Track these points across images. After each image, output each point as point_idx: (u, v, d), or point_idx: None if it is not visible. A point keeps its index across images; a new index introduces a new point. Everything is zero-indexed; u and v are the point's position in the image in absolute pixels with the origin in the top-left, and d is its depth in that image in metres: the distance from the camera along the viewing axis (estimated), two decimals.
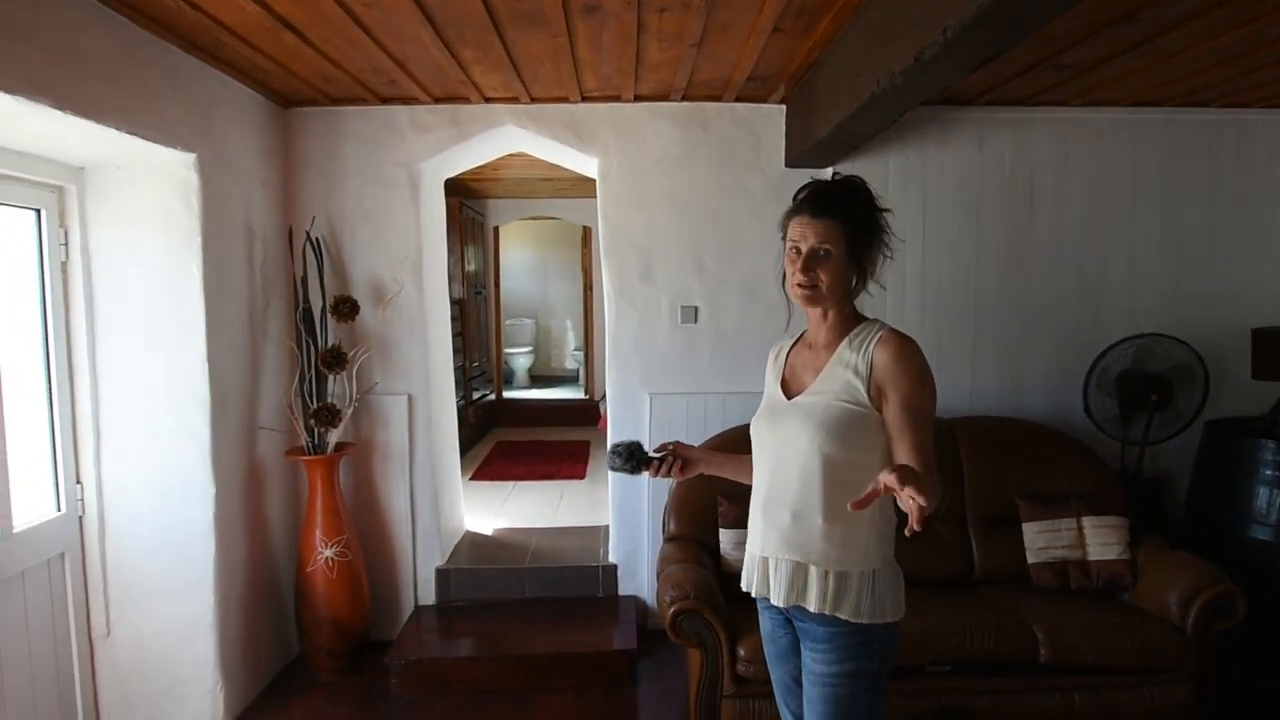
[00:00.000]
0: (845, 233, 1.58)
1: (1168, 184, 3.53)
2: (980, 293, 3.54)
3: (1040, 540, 3.05)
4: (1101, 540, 2.99)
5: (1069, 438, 3.33)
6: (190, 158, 2.65)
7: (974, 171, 3.49)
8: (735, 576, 2.92)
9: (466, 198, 6.72)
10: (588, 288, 8.08)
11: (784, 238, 1.66)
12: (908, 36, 1.95)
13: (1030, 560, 3.05)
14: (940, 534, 3.18)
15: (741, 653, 2.56)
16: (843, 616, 1.57)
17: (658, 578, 2.88)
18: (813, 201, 1.61)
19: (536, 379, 9.63)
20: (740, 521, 2.97)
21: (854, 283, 1.63)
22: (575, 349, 9.68)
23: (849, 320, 1.67)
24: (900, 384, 1.55)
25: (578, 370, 9.24)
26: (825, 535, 1.59)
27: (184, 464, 2.75)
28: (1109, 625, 2.71)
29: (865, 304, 1.71)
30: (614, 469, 1.79)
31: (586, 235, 7.94)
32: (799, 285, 1.61)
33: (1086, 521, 3.03)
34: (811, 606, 1.60)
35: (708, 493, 3.11)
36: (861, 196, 1.62)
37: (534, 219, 8.20)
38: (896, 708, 2.60)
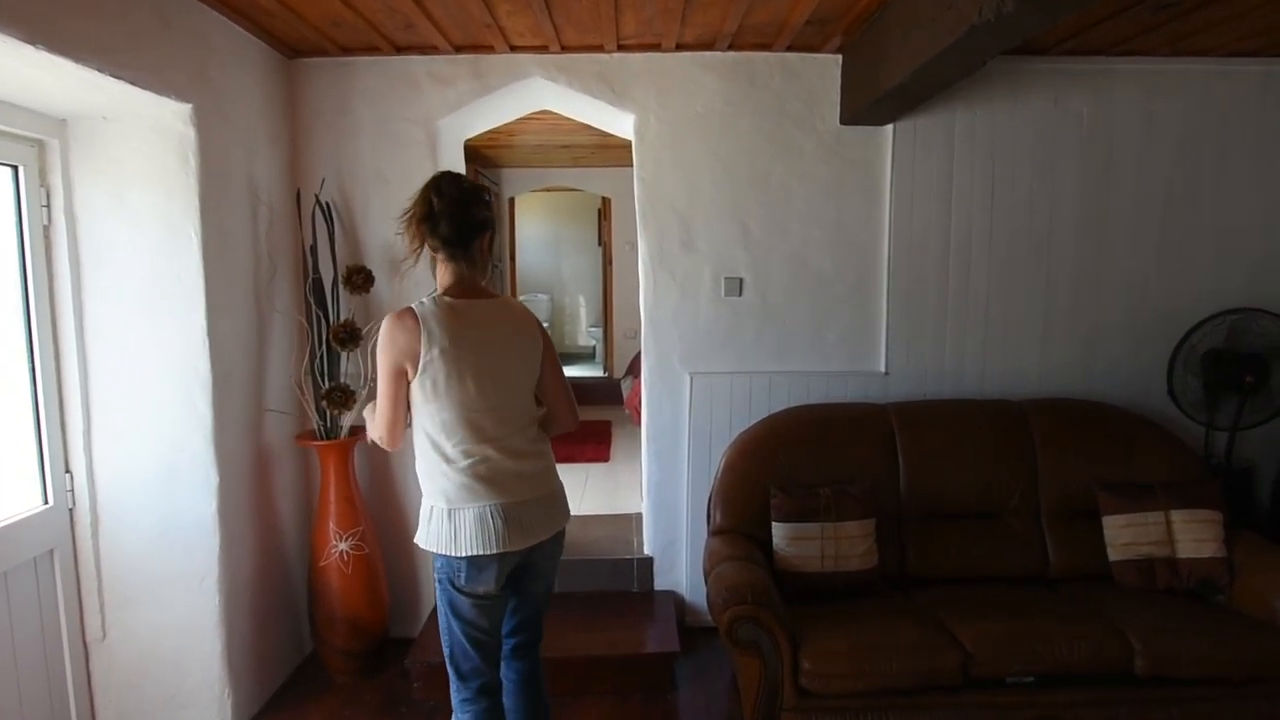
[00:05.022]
0: None
1: (1262, 144, 3.19)
2: (1052, 264, 3.22)
3: (1124, 535, 2.77)
4: (1194, 536, 2.71)
5: (1152, 423, 3.04)
6: (185, 109, 2.36)
7: (1048, 130, 3.15)
8: (791, 574, 2.70)
9: (481, 166, 6.40)
10: (607, 261, 7.74)
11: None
12: None
13: (1112, 557, 2.78)
14: (1011, 526, 2.91)
15: (806, 664, 2.29)
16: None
17: (706, 577, 2.62)
18: None
19: None
20: (796, 514, 2.72)
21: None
22: (591, 326, 9.38)
23: None
24: None
25: (594, 348, 8.95)
26: None
27: (184, 450, 2.49)
28: (1210, 632, 2.44)
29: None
30: None
31: (606, 206, 7.59)
32: None
33: (1175, 515, 2.75)
34: None
35: (758, 481, 2.84)
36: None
37: (550, 190, 7.86)
38: None
